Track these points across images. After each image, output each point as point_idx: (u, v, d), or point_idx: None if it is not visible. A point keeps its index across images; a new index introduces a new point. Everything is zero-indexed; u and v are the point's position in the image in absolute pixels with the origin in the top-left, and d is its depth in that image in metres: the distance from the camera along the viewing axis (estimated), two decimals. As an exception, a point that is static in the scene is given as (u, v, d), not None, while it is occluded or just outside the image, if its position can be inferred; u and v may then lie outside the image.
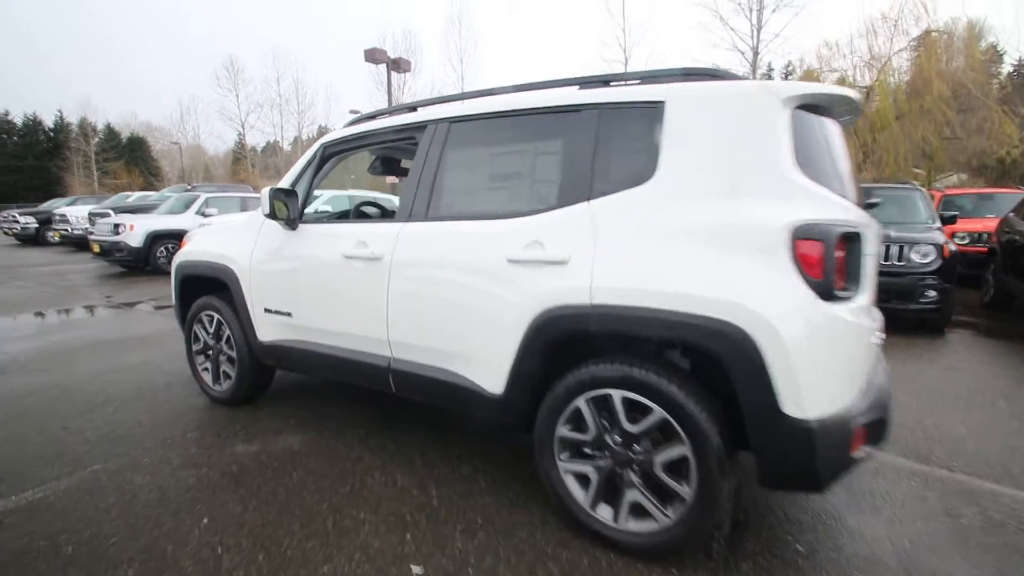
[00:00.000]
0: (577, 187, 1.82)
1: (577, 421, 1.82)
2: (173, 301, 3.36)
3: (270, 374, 3.09)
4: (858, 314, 1.56)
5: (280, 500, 2.11)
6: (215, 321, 3.05)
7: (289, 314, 2.63)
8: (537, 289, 1.80)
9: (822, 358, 1.47)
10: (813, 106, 1.66)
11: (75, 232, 13.57)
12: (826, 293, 1.47)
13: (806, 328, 1.44)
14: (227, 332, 2.98)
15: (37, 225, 16.60)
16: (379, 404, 3.08)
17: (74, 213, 14.28)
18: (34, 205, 21.66)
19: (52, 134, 50.44)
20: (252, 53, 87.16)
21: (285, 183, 2.73)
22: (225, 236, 3.02)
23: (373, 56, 17.91)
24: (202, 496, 2.14)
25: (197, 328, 3.17)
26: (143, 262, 8.99)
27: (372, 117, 2.58)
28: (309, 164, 2.70)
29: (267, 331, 2.76)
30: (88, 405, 3.12)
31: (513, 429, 2.00)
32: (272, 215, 2.47)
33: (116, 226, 9.13)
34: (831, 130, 1.72)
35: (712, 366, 1.59)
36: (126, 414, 2.99)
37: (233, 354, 2.98)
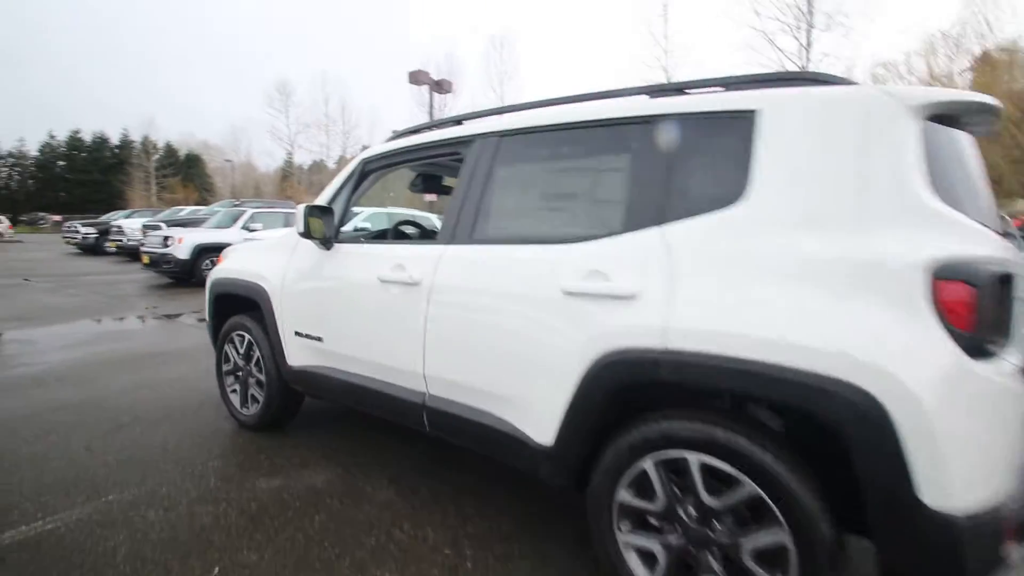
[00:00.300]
0: (647, 209, 1.56)
1: (642, 486, 1.53)
2: (206, 319, 3.25)
3: (299, 400, 2.92)
4: (1013, 375, 1.23)
5: (299, 549, 1.89)
6: (246, 342, 2.91)
7: (320, 339, 2.45)
8: (597, 327, 1.54)
9: (973, 432, 1.15)
10: (945, 116, 1.36)
11: (129, 243, 14.15)
12: (976, 349, 1.16)
13: (953, 393, 1.13)
14: (257, 354, 2.84)
15: (96, 235, 17.47)
16: (414, 440, 2.86)
17: (129, 225, 14.94)
18: (96, 217, 22.92)
19: (117, 151, 53.80)
20: (302, 75, 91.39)
21: (322, 200, 2.58)
22: (260, 254, 2.90)
23: (417, 78, 18.31)
24: (216, 539, 1.95)
25: (228, 348, 3.04)
26: (189, 274, 9.18)
27: (415, 131, 2.41)
28: (348, 180, 2.55)
29: (297, 356, 2.59)
30: (115, 424, 3.02)
31: (563, 486, 1.73)
32: (306, 234, 2.31)
33: (166, 239, 9.39)
34: (966, 145, 1.41)
35: (812, 428, 1.29)
36: (152, 436, 2.87)
37: (262, 377, 2.83)
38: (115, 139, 55.07)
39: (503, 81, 30.21)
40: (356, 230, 11.24)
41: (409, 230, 3.19)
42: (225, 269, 3.03)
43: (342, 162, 42.82)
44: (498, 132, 1.98)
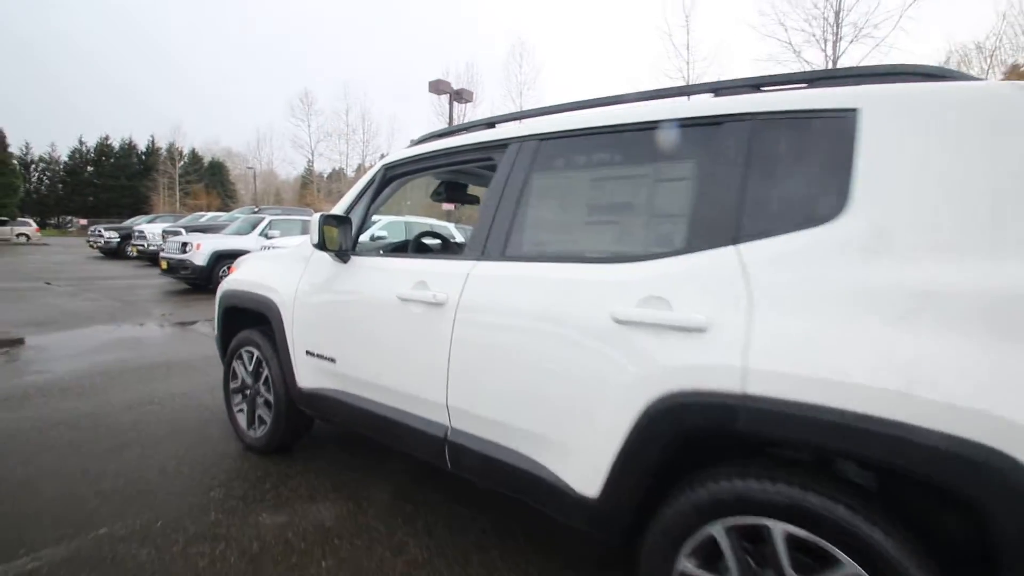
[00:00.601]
0: (717, 225, 1.32)
1: (709, 555, 1.27)
2: (215, 332, 3.08)
3: (308, 423, 2.71)
4: None
5: (302, 604, 1.67)
6: (255, 359, 2.72)
7: (333, 360, 2.24)
8: (657, 363, 1.30)
9: None
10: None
11: (151, 248, 14.25)
12: None
13: None
14: (266, 372, 2.64)
15: (119, 240, 17.71)
16: (434, 473, 2.62)
17: (151, 230, 15.07)
18: (119, 221, 23.31)
19: (144, 157, 55.11)
20: (325, 85, 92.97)
21: (339, 209, 2.39)
22: (272, 265, 2.71)
23: (437, 87, 18.32)
24: (212, 587, 1.73)
25: (236, 364, 2.86)
26: (206, 280, 9.12)
27: (441, 135, 2.21)
28: (367, 188, 2.35)
29: (308, 376, 2.38)
30: (115, 443, 2.84)
31: (608, 543, 1.48)
32: (321, 245, 2.11)
33: (184, 244, 9.36)
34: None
35: (911, 484, 1.05)
36: (152, 458, 2.68)
37: (270, 397, 2.63)
38: (142, 145, 56.48)
39: (523, 91, 30.19)
40: (373, 239, 11.19)
41: (431, 242, 2.99)
42: (236, 280, 2.85)
43: (360, 171, 43.16)
44: (537, 135, 1.77)
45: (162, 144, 53.84)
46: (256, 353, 2.70)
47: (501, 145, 1.88)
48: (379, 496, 2.37)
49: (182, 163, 51.99)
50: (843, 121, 1.23)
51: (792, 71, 1.45)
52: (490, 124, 2.04)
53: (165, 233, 13.08)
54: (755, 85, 1.45)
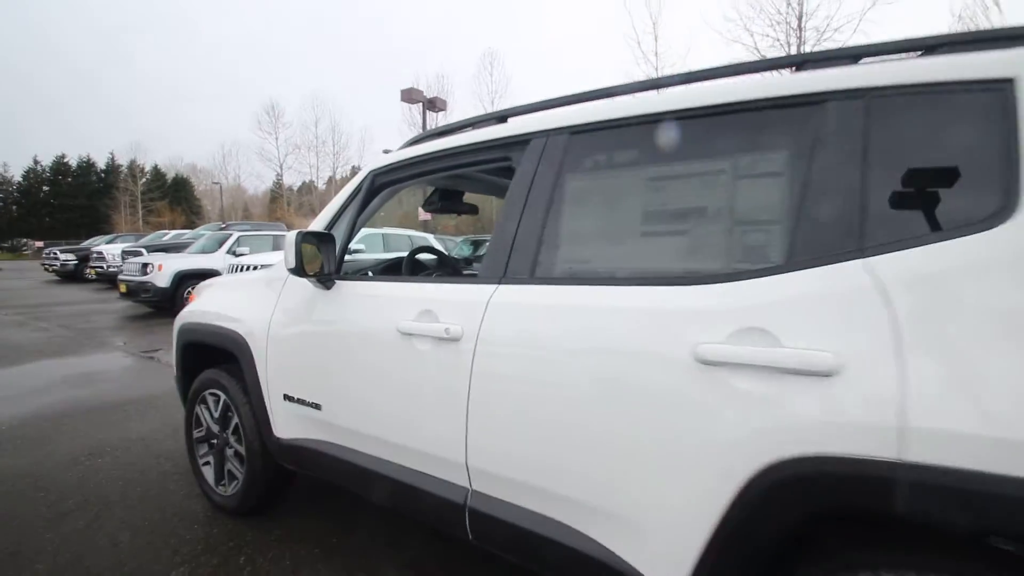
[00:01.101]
0: (832, 231, 1.01)
1: None
2: (175, 370, 2.65)
3: (288, 477, 2.30)
4: None
5: None
6: (221, 403, 2.30)
7: (317, 406, 1.86)
8: (767, 417, 0.98)
9: None
10: None
11: (110, 269, 13.43)
12: None
13: None
14: (235, 419, 2.23)
15: (76, 262, 16.72)
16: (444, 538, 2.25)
17: (110, 251, 14.24)
18: (77, 242, 22.11)
19: (103, 175, 53.05)
20: (292, 97, 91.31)
21: (319, 224, 2.02)
22: (238, 293, 2.31)
23: (410, 96, 17.93)
24: None
25: (200, 409, 2.43)
26: (170, 303, 8.51)
27: (440, 134, 1.86)
28: (352, 199, 1.98)
29: (287, 425, 1.99)
30: (56, 512, 2.38)
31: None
32: (299, 269, 1.73)
33: (144, 265, 8.73)
34: None
35: None
36: (101, 528, 2.23)
37: (241, 449, 2.22)
38: (102, 163, 54.39)
39: (495, 100, 30.05)
40: (349, 253, 10.73)
41: (425, 258, 2.62)
42: (195, 312, 2.43)
43: (332, 183, 42.24)
44: (568, 128, 1.44)
45: (123, 161, 52.02)
46: (223, 397, 2.28)
47: (520, 142, 1.54)
48: (384, 569, 1.99)
49: (144, 180, 50.29)
50: (996, 95, 0.93)
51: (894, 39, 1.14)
52: (502, 118, 1.70)
53: (124, 254, 12.32)
54: (853, 56, 1.15)
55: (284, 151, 44.10)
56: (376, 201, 2.02)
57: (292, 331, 1.96)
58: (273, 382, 2.00)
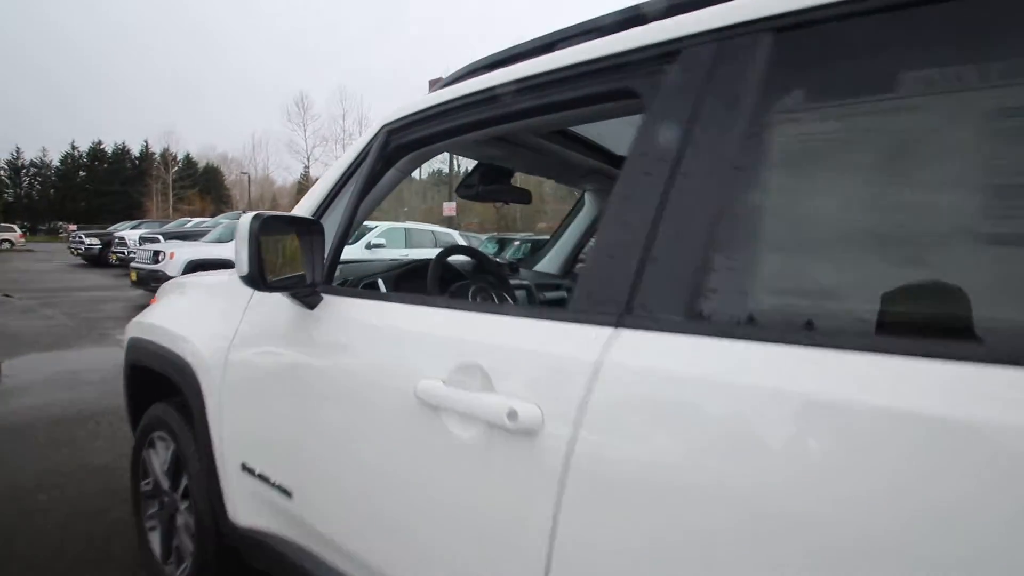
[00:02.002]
0: None
1: None
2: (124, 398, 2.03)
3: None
4: None
5: None
6: (171, 454, 1.67)
7: (286, 492, 1.20)
8: None
9: None
10: None
11: (131, 255, 13.19)
12: None
13: None
14: (185, 478, 1.59)
15: (100, 246, 16.63)
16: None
17: (132, 236, 14.02)
18: (104, 227, 22.21)
19: (137, 162, 54.12)
20: (321, 90, 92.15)
21: (304, 208, 1.36)
22: (196, 300, 1.66)
23: (434, 87, 17.37)
24: None
25: (148, 455, 1.80)
26: (180, 294, 8.06)
27: (497, 64, 1.15)
28: (352, 171, 1.30)
29: (245, 508, 1.34)
30: (-46, 581, 1.78)
31: None
32: (255, 278, 1.05)
33: (156, 253, 8.32)
34: None
35: None
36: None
37: (191, 521, 1.58)
38: (136, 150, 55.51)
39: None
40: (369, 247, 9.96)
41: (460, 263, 1.89)
42: (145, 323, 1.79)
43: (359, 176, 41.83)
44: (777, 17, 0.73)
45: (156, 149, 53.00)
46: (172, 446, 1.65)
47: (660, 57, 0.82)
48: None
49: (176, 168, 51.12)
50: None
51: None
52: (631, 19, 0.97)
53: (142, 240, 12.03)
54: None
55: (312, 143, 44.22)
56: (391, 175, 1.34)
57: (255, 369, 1.30)
58: (228, 441, 1.35)
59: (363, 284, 1.50)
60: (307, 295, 1.17)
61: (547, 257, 2.50)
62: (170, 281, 2.09)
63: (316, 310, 1.17)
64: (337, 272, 1.37)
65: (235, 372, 1.35)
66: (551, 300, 2.20)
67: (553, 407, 0.73)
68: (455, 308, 1.02)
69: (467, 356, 0.85)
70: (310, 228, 1.17)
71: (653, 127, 0.78)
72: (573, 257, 2.50)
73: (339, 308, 1.16)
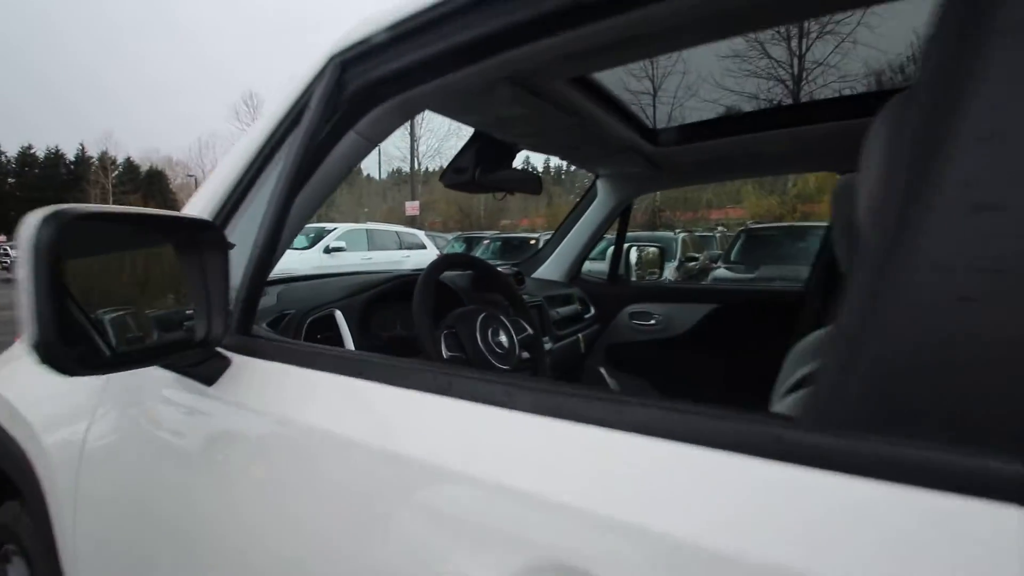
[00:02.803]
0: None
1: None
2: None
3: None
4: None
5: None
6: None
7: None
8: None
9: None
10: None
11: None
12: None
13: None
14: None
15: (27, 260, 15.16)
16: None
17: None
18: (33, 238, 20.41)
19: (73, 167, 50.60)
20: (273, 87, 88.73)
21: (201, 203, 0.82)
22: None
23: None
24: None
25: (5, 571, 1.22)
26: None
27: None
28: (279, 141, 0.77)
29: None
30: None
31: None
32: (56, 354, 0.50)
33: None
34: None
35: None
36: None
37: None
38: (71, 154, 51.97)
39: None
40: (328, 251, 9.04)
41: (451, 279, 1.33)
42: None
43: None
44: None
45: (93, 153, 49.75)
46: (25, 570, 1.08)
47: None
48: None
49: (116, 173, 48.12)
50: None
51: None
52: None
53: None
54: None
55: (264, 143, 42.18)
56: (349, 143, 0.80)
57: (121, 473, 0.76)
58: (86, 567, 0.81)
59: (311, 320, 0.97)
60: (197, 362, 0.64)
61: (550, 260, 2.01)
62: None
63: (217, 386, 0.65)
64: (263, 304, 0.85)
65: (92, 474, 0.81)
66: (565, 318, 1.71)
67: None
68: (493, 383, 0.49)
69: (551, 545, 0.36)
70: (200, 239, 0.64)
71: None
72: (581, 259, 2.03)
73: (260, 381, 0.63)
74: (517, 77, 0.92)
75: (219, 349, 0.66)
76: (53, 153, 51.87)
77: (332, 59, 0.72)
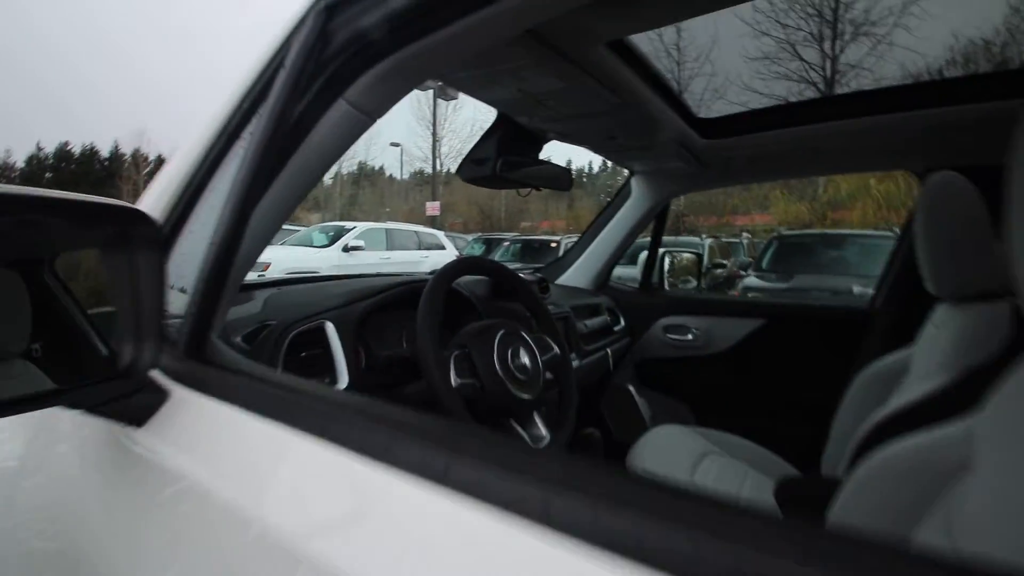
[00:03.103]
0: None
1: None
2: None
3: None
4: None
5: None
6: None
7: None
8: None
9: None
10: None
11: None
12: None
13: None
14: None
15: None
16: None
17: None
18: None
19: (107, 163, 52.20)
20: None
21: (148, 202, 0.66)
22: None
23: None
24: None
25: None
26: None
27: None
28: (246, 117, 0.61)
29: None
30: None
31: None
32: None
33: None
34: None
35: None
36: None
37: None
38: (105, 151, 53.62)
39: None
40: (346, 250, 8.95)
41: (468, 283, 1.16)
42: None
43: (338, 179, 40.08)
44: None
45: (126, 150, 51.23)
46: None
47: None
48: None
49: (148, 169, 49.44)
50: None
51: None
52: None
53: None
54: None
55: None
56: (340, 114, 0.63)
57: (43, 521, 0.61)
58: None
59: (295, 334, 0.81)
60: (120, 395, 0.48)
61: (576, 265, 1.83)
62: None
63: (148, 428, 0.49)
64: (247, 312, 0.69)
65: (17, 521, 0.66)
66: (592, 331, 1.53)
67: None
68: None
69: None
70: (130, 235, 0.48)
71: None
72: (611, 265, 1.84)
73: (206, 424, 0.47)
74: (545, 35, 0.75)
75: (155, 376, 0.50)
76: (89, 150, 53.62)
77: (316, 2, 0.55)
